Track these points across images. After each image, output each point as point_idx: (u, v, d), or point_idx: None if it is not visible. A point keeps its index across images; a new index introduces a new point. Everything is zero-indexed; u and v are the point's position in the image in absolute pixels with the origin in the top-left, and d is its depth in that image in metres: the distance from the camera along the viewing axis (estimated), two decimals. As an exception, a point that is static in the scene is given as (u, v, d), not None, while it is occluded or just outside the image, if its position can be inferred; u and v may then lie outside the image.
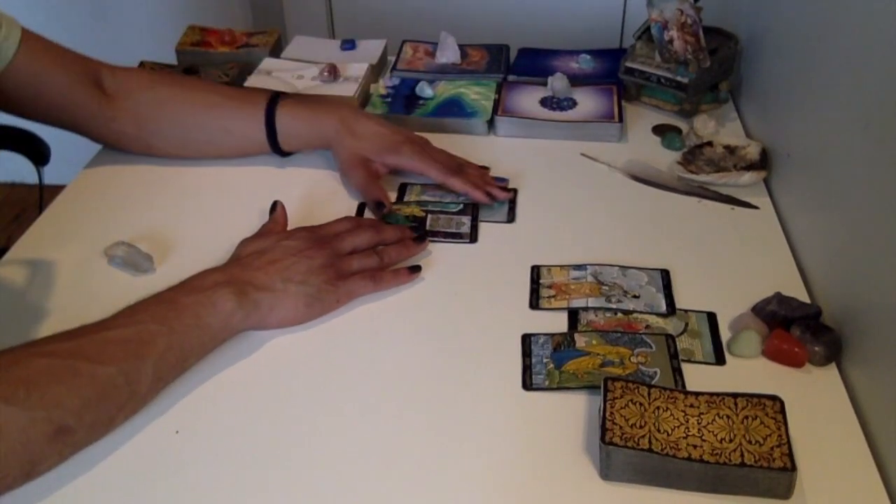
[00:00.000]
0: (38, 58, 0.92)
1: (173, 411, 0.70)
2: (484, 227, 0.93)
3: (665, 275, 0.85)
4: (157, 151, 1.03)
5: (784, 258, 0.88)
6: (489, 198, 0.95)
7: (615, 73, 1.19)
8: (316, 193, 1.00)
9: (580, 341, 0.76)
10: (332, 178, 1.03)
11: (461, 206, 0.96)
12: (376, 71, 1.27)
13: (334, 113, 1.00)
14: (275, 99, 1.00)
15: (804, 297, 0.81)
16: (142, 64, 1.20)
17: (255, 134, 1.00)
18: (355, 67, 1.21)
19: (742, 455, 0.62)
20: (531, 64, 1.26)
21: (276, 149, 1.02)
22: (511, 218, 0.95)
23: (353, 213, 0.95)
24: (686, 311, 0.80)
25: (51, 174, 1.36)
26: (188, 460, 0.66)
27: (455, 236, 0.91)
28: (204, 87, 1.04)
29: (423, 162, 0.97)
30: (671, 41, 1.11)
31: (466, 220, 0.93)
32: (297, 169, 1.03)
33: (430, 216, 0.94)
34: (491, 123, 1.12)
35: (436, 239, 0.91)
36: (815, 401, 0.71)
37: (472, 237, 0.91)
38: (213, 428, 0.69)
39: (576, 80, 1.20)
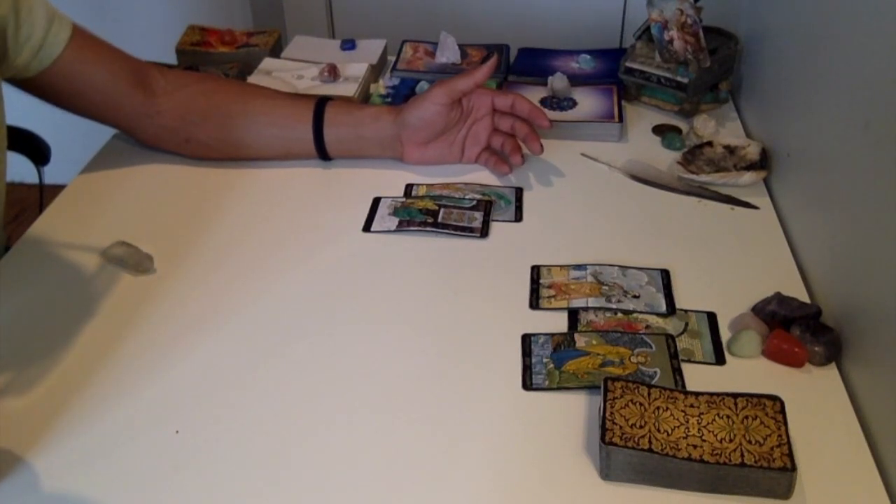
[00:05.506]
0: (85, 56, 0.94)
1: (173, 411, 0.70)
2: (491, 225, 0.93)
3: (665, 275, 0.85)
4: (195, 147, 1.03)
5: (784, 258, 0.88)
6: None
7: (615, 73, 1.19)
8: (318, 194, 1.00)
9: (580, 341, 0.76)
10: (334, 180, 1.03)
11: (474, 202, 0.96)
12: (376, 71, 1.27)
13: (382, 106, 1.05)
14: (323, 99, 1.02)
15: (804, 297, 0.81)
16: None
17: (302, 131, 1.01)
18: (355, 67, 1.21)
19: (742, 455, 0.62)
20: (531, 64, 1.26)
21: (321, 146, 1.02)
22: (519, 217, 0.95)
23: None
24: (686, 311, 0.80)
25: (51, 174, 1.36)
26: (188, 460, 0.66)
27: (466, 230, 0.91)
28: (253, 84, 1.08)
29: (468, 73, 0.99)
30: (671, 41, 1.11)
31: (479, 215, 0.94)
32: (299, 169, 1.03)
33: (443, 210, 0.94)
34: (491, 123, 1.12)
35: (447, 232, 0.91)
36: (815, 401, 0.71)
37: (483, 232, 0.92)
38: (213, 428, 0.69)
39: (576, 80, 1.20)
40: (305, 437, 0.68)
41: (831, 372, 0.74)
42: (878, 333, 0.69)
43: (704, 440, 0.64)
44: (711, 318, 0.79)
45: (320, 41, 1.34)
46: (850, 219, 0.77)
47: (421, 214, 0.93)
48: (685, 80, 1.11)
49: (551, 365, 0.74)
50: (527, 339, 0.77)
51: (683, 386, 0.72)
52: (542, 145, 1.00)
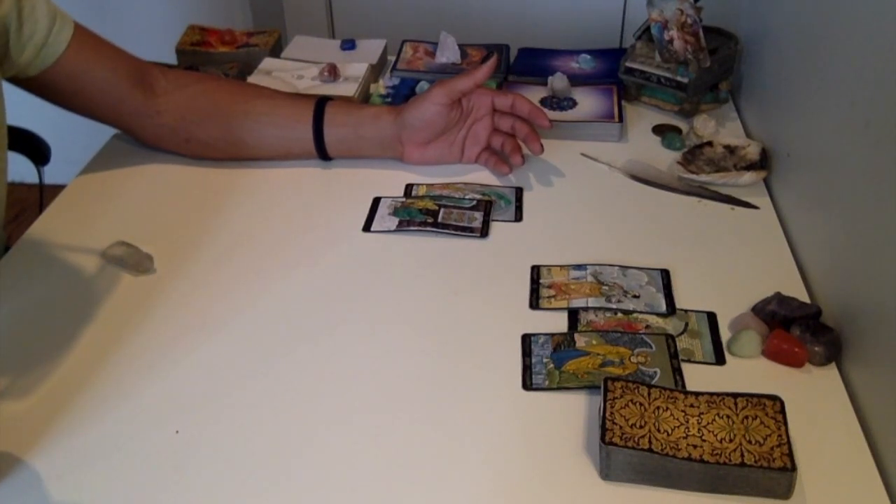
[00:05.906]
0: (86, 55, 0.94)
1: (173, 411, 0.70)
2: (491, 225, 0.93)
3: (665, 275, 0.85)
4: (195, 147, 1.03)
5: (784, 258, 0.88)
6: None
7: (615, 73, 1.19)
8: (318, 194, 1.00)
9: (580, 341, 0.76)
10: (334, 180, 1.03)
11: (474, 202, 0.96)
12: (376, 71, 1.27)
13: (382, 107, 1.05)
14: (323, 99, 1.02)
15: (804, 297, 0.81)
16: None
17: (302, 131, 1.01)
18: (355, 67, 1.21)
19: (742, 455, 0.62)
20: (531, 64, 1.26)
21: (321, 146, 1.02)
22: (519, 217, 0.95)
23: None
24: (686, 311, 0.80)
25: (51, 174, 1.36)
26: (188, 460, 0.66)
27: (466, 230, 0.92)
28: (253, 84, 1.09)
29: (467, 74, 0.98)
30: (671, 41, 1.11)
31: (479, 215, 0.94)
32: (299, 169, 1.03)
33: (443, 210, 0.94)
34: (491, 123, 1.12)
35: (447, 232, 0.91)
36: (815, 401, 0.71)
37: (484, 232, 0.92)
38: (213, 428, 0.69)
39: (576, 80, 1.20)
40: (306, 437, 0.68)
41: (831, 372, 0.74)
42: (878, 333, 0.69)
43: (704, 440, 0.64)
44: (711, 318, 0.79)
45: (320, 41, 1.34)
46: (850, 219, 0.77)
47: (421, 214, 0.93)
48: (685, 80, 1.11)
49: (551, 365, 0.74)
50: (527, 339, 0.77)
51: (683, 386, 0.72)
52: (542, 145, 1.01)
